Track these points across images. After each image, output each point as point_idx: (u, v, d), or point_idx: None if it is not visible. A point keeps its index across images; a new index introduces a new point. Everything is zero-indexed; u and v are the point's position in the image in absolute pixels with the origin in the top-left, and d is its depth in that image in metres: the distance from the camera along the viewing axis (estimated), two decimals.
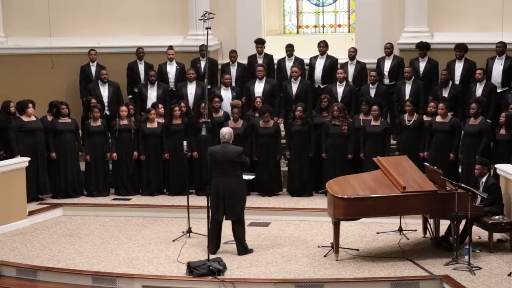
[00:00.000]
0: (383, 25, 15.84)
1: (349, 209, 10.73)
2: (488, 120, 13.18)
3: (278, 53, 15.64)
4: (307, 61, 15.36)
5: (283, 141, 14.20)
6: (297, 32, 18.24)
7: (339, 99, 14.35)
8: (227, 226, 11.31)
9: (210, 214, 10.93)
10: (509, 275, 10.01)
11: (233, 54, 15.50)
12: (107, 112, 15.15)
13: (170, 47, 15.58)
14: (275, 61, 15.57)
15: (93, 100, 14.80)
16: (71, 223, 13.08)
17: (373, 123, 13.51)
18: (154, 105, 14.35)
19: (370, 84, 14.51)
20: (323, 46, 15.17)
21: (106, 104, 15.24)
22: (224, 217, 11.14)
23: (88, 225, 12.88)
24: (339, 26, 18.05)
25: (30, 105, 13.77)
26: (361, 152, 13.54)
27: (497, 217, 10.93)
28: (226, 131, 11.34)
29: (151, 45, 16.05)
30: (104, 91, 15.35)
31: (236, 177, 11.10)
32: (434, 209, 10.78)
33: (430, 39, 15.33)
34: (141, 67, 15.76)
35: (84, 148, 14.17)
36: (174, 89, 15.43)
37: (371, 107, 13.55)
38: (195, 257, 10.86)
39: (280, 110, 14.73)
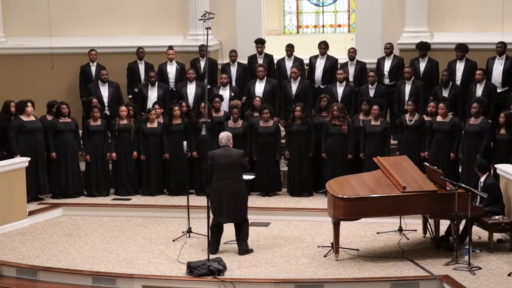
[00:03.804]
0: (383, 25, 15.83)
1: (349, 209, 10.72)
2: (488, 120, 13.18)
3: (278, 53, 15.63)
4: (307, 61, 15.37)
5: (283, 141, 14.21)
6: (297, 32, 18.23)
7: (339, 99, 14.35)
8: (226, 226, 11.30)
9: (210, 215, 10.90)
10: (509, 275, 10.01)
11: (233, 54, 15.50)
12: (107, 112, 15.16)
13: (170, 47, 15.58)
14: (275, 61, 15.57)
15: (94, 100, 14.80)
16: (71, 223, 13.08)
17: (373, 123, 13.51)
18: (154, 105, 14.37)
19: (369, 84, 14.52)
20: (323, 47, 15.17)
21: (106, 104, 15.24)
22: (227, 221, 11.14)
23: (88, 225, 12.89)
24: (339, 26, 18.04)
25: (29, 104, 13.76)
26: (361, 152, 13.54)
27: (497, 217, 10.93)
28: (223, 135, 11.32)
29: (151, 45, 16.04)
30: (104, 91, 15.35)
31: (238, 180, 11.11)
32: (434, 209, 10.78)
33: (430, 39, 15.33)
34: (141, 67, 15.76)
35: (84, 148, 14.17)
36: (174, 89, 15.44)
37: (372, 107, 13.55)
38: (195, 257, 10.86)
39: (280, 110, 14.73)
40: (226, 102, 14.60)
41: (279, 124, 14.33)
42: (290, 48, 15.29)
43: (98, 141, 14.10)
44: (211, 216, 11.02)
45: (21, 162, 13.04)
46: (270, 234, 12.16)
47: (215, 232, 11.09)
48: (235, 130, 13.17)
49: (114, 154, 14.09)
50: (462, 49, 14.47)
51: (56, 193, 14.05)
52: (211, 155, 11.13)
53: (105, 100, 15.28)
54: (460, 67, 14.54)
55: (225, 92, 14.79)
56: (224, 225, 11.26)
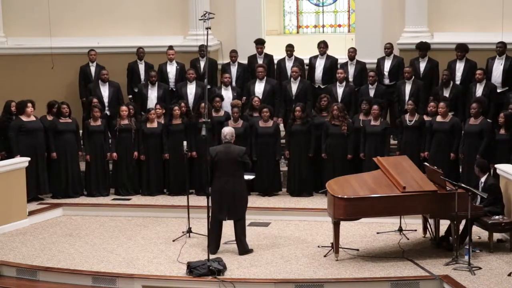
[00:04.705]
0: (383, 25, 15.84)
1: (349, 209, 10.72)
2: (488, 120, 13.18)
3: (278, 53, 15.64)
4: (307, 61, 15.37)
5: (283, 141, 14.21)
6: (297, 32, 18.25)
7: (339, 99, 14.36)
8: (226, 226, 11.31)
9: (210, 214, 10.91)
10: (509, 275, 10.01)
11: (233, 54, 15.50)
12: (107, 112, 15.16)
13: (170, 47, 15.58)
14: (275, 61, 15.57)
15: (94, 100, 14.79)
16: (71, 223, 13.08)
17: (373, 123, 13.51)
18: (156, 105, 14.38)
19: (369, 84, 14.52)
20: (323, 46, 15.17)
21: (106, 104, 15.24)
22: (226, 217, 11.14)
23: (88, 225, 12.89)
24: (339, 26, 18.05)
25: (29, 104, 13.76)
26: (361, 152, 13.54)
27: (497, 217, 10.93)
28: (227, 131, 11.32)
29: (151, 45, 16.04)
30: (105, 91, 15.35)
31: (239, 177, 11.10)
32: (434, 209, 10.78)
33: (430, 39, 15.33)
34: (141, 67, 15.77)
35: (84, 148, 14.17)
36: (174, 89, 15.44)
37: (372, 107, 13.54)
38: (195, 257, 10.86)
39: (280, 110, 14.72)
40: (227, 102, 14.58)
41: (278, 123, 14.31)
42: (290, 48, 15.29)
43: (98, 141, 14.10)
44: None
45: (21, 162, 13.04)
46: (270, 234, 12.16)
47: (215, 229, 11.09)
48: (235, 130, 13.13)
49: (115, 154, 14.09)
50: (462, 49, 14.47)
51: (56, 193, 14.05)
52: (212, 151, 11.12)
53: (105, 100, 15.28)
54: (460, 67, 14.54)
55: (227, 92, 14.80)
56: (224, 225, 11.26)
